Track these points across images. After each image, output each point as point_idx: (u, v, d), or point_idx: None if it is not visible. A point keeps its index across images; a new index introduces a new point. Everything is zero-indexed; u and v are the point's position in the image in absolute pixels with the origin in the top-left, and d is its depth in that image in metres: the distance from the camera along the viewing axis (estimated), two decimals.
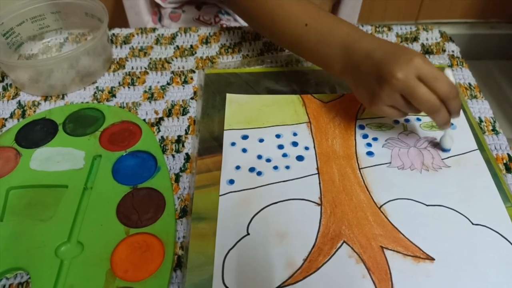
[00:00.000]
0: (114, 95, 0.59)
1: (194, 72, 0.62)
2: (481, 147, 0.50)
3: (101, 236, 0.43)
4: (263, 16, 0.55)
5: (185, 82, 0.60)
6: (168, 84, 0.60)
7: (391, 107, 0.46)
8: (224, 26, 0.84)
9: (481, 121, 0.55)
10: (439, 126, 0.48)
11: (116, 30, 0.69)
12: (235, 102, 0.56)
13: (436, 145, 0.50)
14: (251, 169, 0.48)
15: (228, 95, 0.57)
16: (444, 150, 0.50)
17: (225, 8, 0.86)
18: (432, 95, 0.43)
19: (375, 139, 0.51)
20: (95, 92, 0.59)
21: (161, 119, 0.55)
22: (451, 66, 0.62)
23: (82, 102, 0.58)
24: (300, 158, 0.50)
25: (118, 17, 0.97)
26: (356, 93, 0.50)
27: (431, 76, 0.43)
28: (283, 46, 0.59)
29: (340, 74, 0.50)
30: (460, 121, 0.53)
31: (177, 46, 0.66)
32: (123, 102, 0.57)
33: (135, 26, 0.92)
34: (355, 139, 0.51)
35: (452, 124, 0.48)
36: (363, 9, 0.95)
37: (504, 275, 0.39)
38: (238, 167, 0.49)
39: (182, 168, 0.50)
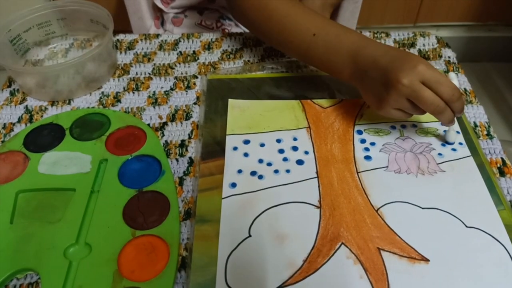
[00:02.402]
0: (119, 100, 0.60)
1: (196, 77, 0.64)
2: (476, 151, 0.52)
3: (108, 238, 0.44)
4: (270, 27, 0.57)
5: (188, 87, 0.62)
6: (171, 89, 0.62)
7: (398, 110, 0.49)
8: (226, 31, 0.86)
9: (476, 126, 0.56)
10: (444, 124, 0.50)
11: (121, 36, 0.71)
12: (237, 108, 0.58)
13: (432, 150, 0.52)
14: (253, 173, 0.50)
15: (230, 101, 0.58)
16: (448, 143, 0.53)
17: (227, 13, 0.88)
18: (437, 98, 0.46)
19: (372, 143, 0.53)
20: (100, 97, 0.61)
21: (165, 123, 0.57)
22: (447, 71, 0.64)
23: (88, 107, 0.59)
24: (300, 162, 0.51)
25: (121, 21, 0.98)
26: (364, 97, 0.52)
27: (434, 80, 0.45)
28: (291, 55, 0.61)
29: (348, 80, 0.53)
30: (454, 127, 0.55)
31: (180, 52, 0.68)
32: (128, 107, 0.59)
33: (138, 30, 0.94)
34: (353, 144, 0.53)
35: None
36: (362, 12, 0.96)
37: (496, 276, 0.41)
38: (240, 171, 0.50)
39: (186, 172, 0.51)
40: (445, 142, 0.53)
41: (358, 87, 0.52)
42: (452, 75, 0.50)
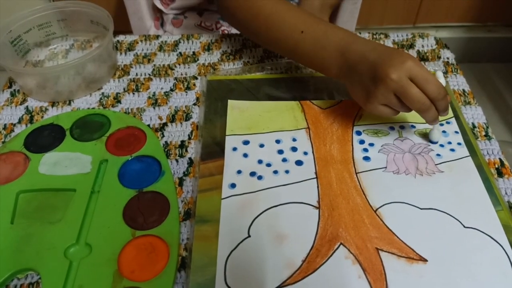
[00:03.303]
0: (119, 101, 0.60)
1: (196, 78, 0.64)
2: (474, 152, 0.52)
3: (108, 238, 0.44)
4: (258, 25, 0.57)
5: (188, 88, 0.62)
6: (171, 90, 0.62)
7: (385, 106, 0.49)
8: (225, 32, 0.86)
9: (474, 126, 0.57)
10: (428, 123, 0.50)
11: (121, 37, 0.71)
12: (236, 108, 0.58)
13: (430, 151, 0.52)
14: (252, 174, 0.50)
15: (229, 101, 0.59)
16: (432, 142, 0.53)
17: None
18: (423, 96, 0.46)
19: (371, 144, 0.53)
20: (100, 98, 0.61)
21: (165, 124, 0.57)
22: (445, 73, 0.64)
23: (88, 108, 0.59)
24: (299, 162, 0.51)
25: (121, 22, 0.98)
26: (351, 93, 0.52)
27: (421, 77, 0.46)
28: (278, 53, 0.62)
29: (336, 76, 0.53)
30: (452, 127, 0.55)
31: (180, 53, 0.68)
32: (128, 108, 0.59)
33: (138, 31, 0.94)
34: (352, 145, 0.53)
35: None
36: (362, 13, 0.97)
37: (494, 276, 0.41)
38: (239, 172, 0.50)
39: (186, 172, 0.51)
40: (429, 141, 0.54)
41: (346, 83, 0.52)
42: (439, 73, 0.50)
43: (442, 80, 0.49)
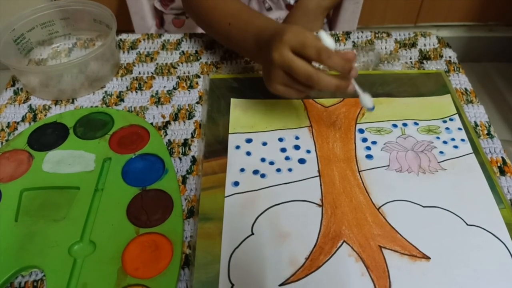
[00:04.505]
0: (122, 100, 0.61)
1: (199, 77, 0.64)
2: (476, 150, 0.52)
3: (112, 236, 0.45)
4: (203, 21, 0.64)
5: (191, 87, 0.62)
6: (174, 88, 0.62)
7: (284, 86, 0.49)
8: None
9: (476, 125, 0.57)
10: (334, 91, 0.47)
11: (123, 36, 0.71)
12: (239, 107, 0.58)
13: (433, 148, 0.52)
14: (255, 172, 0.50)
15: (232, 100, 0.59)
16: (368, 109, 0.50)
17: None
18: (307, 66, 0.46)
19: (374, 142, 0.53)
20: (104, 97, 0.61)
21: (168, 123, 0.57)
22: (448, 71, 0.64)
23: (91, 106, 0.60)
24: (302, 161, 0.52)
25: (123, 21, 0.98)
26: (262, 76, 0.53)
27: (299, 46, 0.45)
28: (222, 44, 0.67)
29: (256, 61, 0.57)
30: (456, 124, 0.55)
31: (183, 51, 0.68)
32: (131, 106, 0.59)
33: (139, 30, 0.94)
34: (355, 143, 0.53)
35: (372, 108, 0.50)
36: (363, 13, 0.97)
37: (497, 273, 0.41)
38: (242, 170, 0.50)
39: (189, 171, 0.52)
40: (366, 109, 0.51)
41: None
42: (321, 34, 0.47)
43: (327, 40, 0.46)
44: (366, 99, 0.49)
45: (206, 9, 0.61)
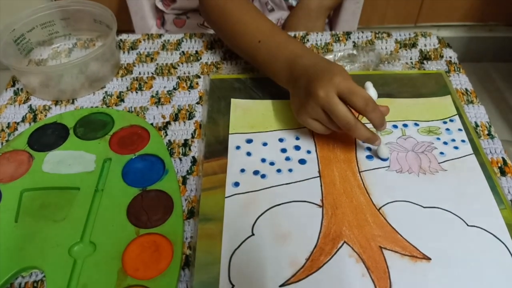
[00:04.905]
0: (122, 100, 0.61)
1: (199, 77, 0.64)
2: (477, 151, 0.52)
3: (112, 236, 0.45)
4: (226, 30, 0.62)
5: (191, 87, 0.62)
6: (174, 89, 0.62)
7: (315, 120, 0.50)
8: None
9: (477, 125, 0.57)
10: (366, 142, 0.52)
11: (124, 36, 0.71)
12: (239, 107, 0.58)
13: (434, 149, 0.52)
14: (255, 172, 0.50)
15: (232, 100, 0.59)
16: (382, 159, 0.52)
17: None
18: (349, 114, 0.47)
19: None
20: (104, 97, 0.61)
21: (168, 123, 0.57)
22: (448, 72, 0.64)
23: (91, 107, 0.60)
24: (302, 161, 0.51)
25: (123, 21, 0.99)
26: (291, 103, 0.54)
27: (347, 91, 0.46)
28: (242, 57, 0.64)
29: (285, 85, 0.55)
30: (456, 125, 0.55)
31: (183, 51, 0.68)
32: (131, 107, 0.59)
33: (140, 30, 0.94)
34: (355, 143, 0.53)
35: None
36: (363, 13, 0.97)
37: (497, 274, 0.41)
38: (243, 170, 0.50)
39: (189, 171, 0.52)
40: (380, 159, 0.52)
41: (290, 93, 0.54)
42: (368, 84, 0.50)
43: (372, 91, 0.49)
44: (384, 150, 0.51)
45: (237, 23, 0.59)
